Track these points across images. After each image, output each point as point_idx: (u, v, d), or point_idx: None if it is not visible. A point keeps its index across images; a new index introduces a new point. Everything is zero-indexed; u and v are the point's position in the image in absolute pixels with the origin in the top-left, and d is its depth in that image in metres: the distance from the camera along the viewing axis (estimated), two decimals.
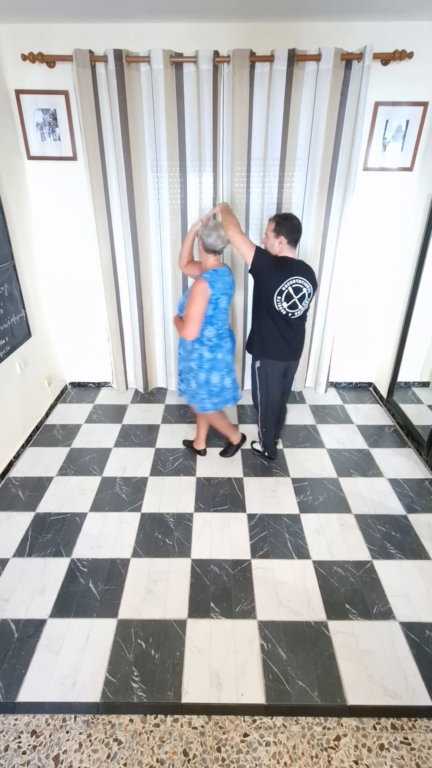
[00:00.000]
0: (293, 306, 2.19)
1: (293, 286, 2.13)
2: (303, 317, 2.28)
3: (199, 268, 2.34)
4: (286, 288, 2.12)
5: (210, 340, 2.29)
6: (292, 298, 2.16)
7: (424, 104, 2.61)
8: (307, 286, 2.16)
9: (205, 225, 2.16)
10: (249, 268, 2.18)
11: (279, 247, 2.15)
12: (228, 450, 2.81)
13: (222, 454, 2.81)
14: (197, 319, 2.14)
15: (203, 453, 2.82)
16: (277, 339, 2.30)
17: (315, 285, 2.21)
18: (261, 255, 2.13)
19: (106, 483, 2.57)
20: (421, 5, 2.19)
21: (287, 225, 2.11)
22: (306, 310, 2.26)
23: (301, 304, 2.20)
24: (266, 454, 2.74)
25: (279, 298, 2.15)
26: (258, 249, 2.13)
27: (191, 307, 2.13)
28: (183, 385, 2.56)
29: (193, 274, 2.42)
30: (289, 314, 2.21)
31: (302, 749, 1.41)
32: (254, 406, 2.61)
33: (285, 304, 2.17)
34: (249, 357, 2.96)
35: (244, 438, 2.84)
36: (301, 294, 2.16)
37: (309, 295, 2.20)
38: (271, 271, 2.12)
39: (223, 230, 2.13)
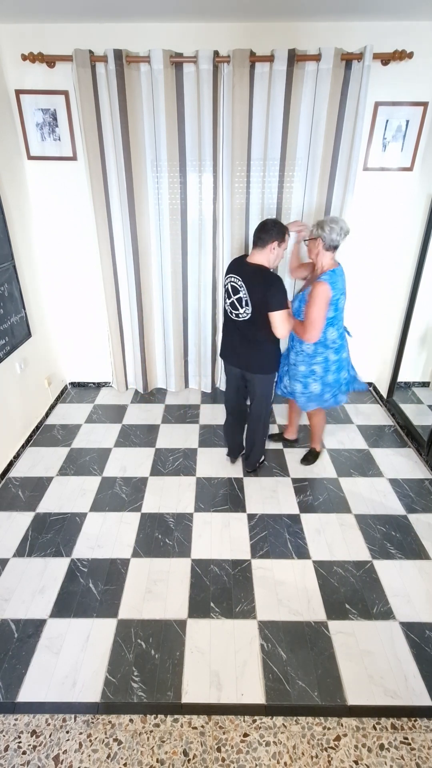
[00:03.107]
0: (233, 306, 2.15)
1: (230, 284, 2.13)
2: (250, 323, 2.12)
3: (310, 269, 2.34)
4: (226, 284, 2.17)
5: (334, 342, 2.25)
6: (231, 297, 2.15)
7: (424, 104, 2.61)
8: (243, 291, 2.05)
9: (324, 222, 2.09)
10: None
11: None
12: (281, 438, 2.93)
13: (304, 461, 2.76)
14: (320, 322, 2.10)
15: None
16: (225, 338, 2.35)
17: (259, 292, 2.02)
18: None
19: (106, 483, 2.57)
20: (421, 5, 2.19)
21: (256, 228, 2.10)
22: (251, 318, 2.09)
23: (240, 306, 2.10)
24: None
25: (225, 295, 2.21)
26: None
27: (313, 310, 2.07)
28: (297, 385, 2.42)
29: (303, 276, 2.42)
30: (232, 314, 2.19)
31: (302, 749, 1.41)
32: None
33: (227, 302, 2.19)
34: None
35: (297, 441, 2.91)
36: (237, 296, 2.09)
37: (246, 301, 2.06)
38: None
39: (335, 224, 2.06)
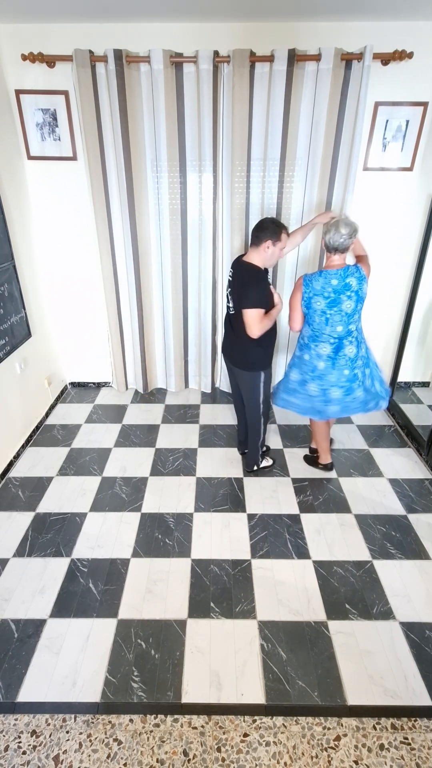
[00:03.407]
0: (227, 299, 2.27)
1: (228, 278, 2.25)
2: (234, 318, 2.20)
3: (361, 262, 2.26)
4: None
5: (302, 338, 2.28)
6: (227, 290, 2.28)
7: (424, 104, 2.61)
8: (229, 284, 2.22)
9: (327, 224, 2.10)
10: None
11: None
12: (312, 461, 2.73)
13: (306, 459, 2.76)
14: (292, 310, 2.22)
15: (329, 467, 2.68)
16: (224, 330, 2.41)
17: (239, 289, 2.12)
18: None
19: (106, 483, 2.57)
20: (421, 5, 2.19)
21: None
22: (234, 313, 2.19)
23: (230, 300, 2.23)
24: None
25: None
26: None
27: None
28: None
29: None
30: (227, 306, 2.30)
31: (302, 749, 1.41)
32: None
33: (227, 292, 2.30)
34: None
35: (330, 467, 2.67)
36: (229, 290, 2.23)
37: (230, 295, 2.21)
38: None
39: (344, 228, 2.00)
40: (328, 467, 2.67)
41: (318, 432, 2.58)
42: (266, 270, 2.16)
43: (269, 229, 2.04)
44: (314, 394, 2.29)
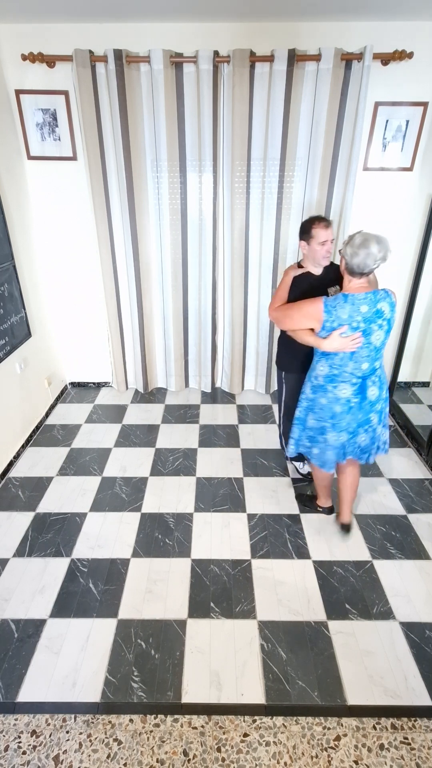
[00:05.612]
0: None
1: None
2: None
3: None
4: None
5: (316, 378, 1.87)
6: None
7: (424, 104, 2.61)
8: None
9: (350, 242, 1.66)
10: None
11: None
12: (309, 506, 2.40)
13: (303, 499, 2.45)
14: (278, 302, 2.00)
15: (328, 511, 2.35)
16: None
17: None
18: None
19: (106, 483, 2.57)
20: (421, 5, 2.19)
21: None
22: None
23: None
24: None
25: None
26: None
27: (280, 290, 2.04)
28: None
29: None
30: None
31: (302, 749, 1.41)
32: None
33: None
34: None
35: (332, 510, 2.35)
36: None
37: None
38: None
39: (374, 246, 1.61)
40: (326, 511, 2.35)
41: (323, 478, 2.24)
42: (333, 274, 2.08)
43: (299, 233, 2.02)
44: (334, 444, 1.94)
